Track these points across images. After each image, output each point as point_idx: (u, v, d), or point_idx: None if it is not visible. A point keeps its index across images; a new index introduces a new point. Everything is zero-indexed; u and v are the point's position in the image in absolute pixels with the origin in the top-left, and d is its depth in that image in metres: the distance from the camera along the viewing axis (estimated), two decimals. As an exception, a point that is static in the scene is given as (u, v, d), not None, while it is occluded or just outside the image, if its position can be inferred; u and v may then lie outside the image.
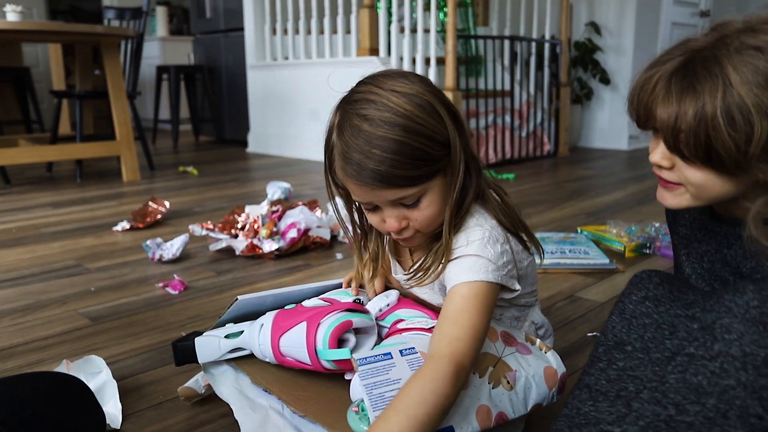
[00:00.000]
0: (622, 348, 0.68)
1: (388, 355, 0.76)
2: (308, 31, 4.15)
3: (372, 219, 0.85)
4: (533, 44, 3.99)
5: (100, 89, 3.38)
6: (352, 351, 0.85)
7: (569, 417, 0.69)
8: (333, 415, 0.81)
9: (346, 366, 0.85)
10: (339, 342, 0.86)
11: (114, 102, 3.19)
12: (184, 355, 0.92)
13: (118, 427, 0.94)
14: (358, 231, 0.95)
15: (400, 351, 0.77)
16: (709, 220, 0.87)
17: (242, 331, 0.92)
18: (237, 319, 0.98)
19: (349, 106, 0.80)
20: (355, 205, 0.92)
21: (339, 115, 0.82)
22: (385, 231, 0.85)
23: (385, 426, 0.68)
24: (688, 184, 0.76)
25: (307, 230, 1.91)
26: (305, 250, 1.93)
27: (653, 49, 4.44)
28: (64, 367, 1.06)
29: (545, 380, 0.84)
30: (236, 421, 0.95)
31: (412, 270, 0.87)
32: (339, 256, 1.86)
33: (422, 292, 0.94)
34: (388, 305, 0.92)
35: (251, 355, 0.94)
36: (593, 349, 0.73)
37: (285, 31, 4.31)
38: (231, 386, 0.89)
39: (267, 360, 0.91)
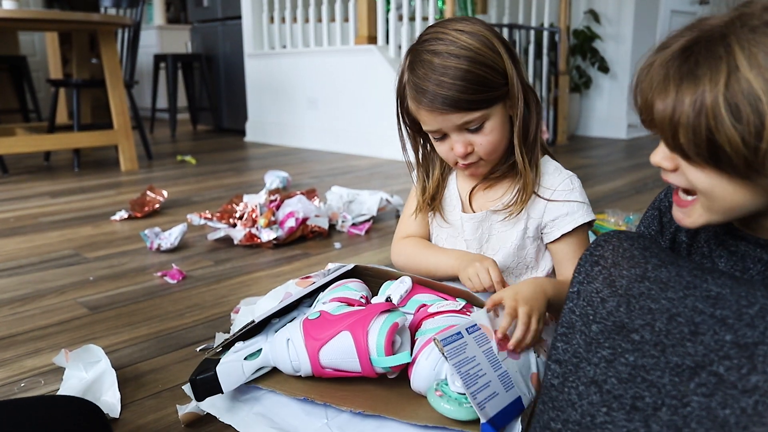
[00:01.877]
0: (628, 336, 0.57)
1: (460, 335, 0.79)
2: (306, 20, 4.13)
3: (441, 149, 0.95)
4: (532, 32, 3.97)
5: (98, 78, 3.36)
6: (397, 350, 0.85)
7: (582, 426, 0.58)
8: (390, 407, 0.81)
9: (401, 369, 0.84)
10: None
11: (111, 91, 3.18)
12: (206, 388, 0.85)
13: (117, 416, 0.94)
14: (422, 171, 1.06)
15: (466, 329, 0.80)
16: (723, 234, 0.73)
17: (260, 350, 0.89)
18: (242, 336, 0.93)
19: (419, 46, 0.91)
20: (421, 145, 1.04)
21: (410, 58, 0.92)
22: (453, 160, 0.95)
23: (549, 280, 0.86)
24: (697, 191, 0.64)
25: (305, 219, 1.91)
26: (303, 239, 1.93)
27: (652, 38, 4.43)
28: (62, 356, 1.06)
29: None
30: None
31: (508, 205, 0.97)
32: (337, 245, 1.86)
33: (502, 230, 1.00)
34: (406, 291, 0.95)
35: (271, 372, 0.90)
36: (578, 319, 0.61)
37: (283, 20, 4.29)
38: (266, 427, 0.83)
39: (300, 374, 0.87)
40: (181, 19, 6.87)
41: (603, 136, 4.50)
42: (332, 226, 2.05)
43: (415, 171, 1.08)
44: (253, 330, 0.93)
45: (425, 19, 3.51)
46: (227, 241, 1.90)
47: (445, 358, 0.75)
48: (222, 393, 0.86)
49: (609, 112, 4.49)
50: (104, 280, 1.58)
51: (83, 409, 0.81)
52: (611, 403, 0.57)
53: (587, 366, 0.59)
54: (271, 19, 4.37)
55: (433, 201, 1.05)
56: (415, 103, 0.91)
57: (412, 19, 3.53)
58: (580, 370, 0.60)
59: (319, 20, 4.08)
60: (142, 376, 1.08)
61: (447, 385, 0.79)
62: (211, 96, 5.00)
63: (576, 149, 3.89)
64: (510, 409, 0.75)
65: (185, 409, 0.92)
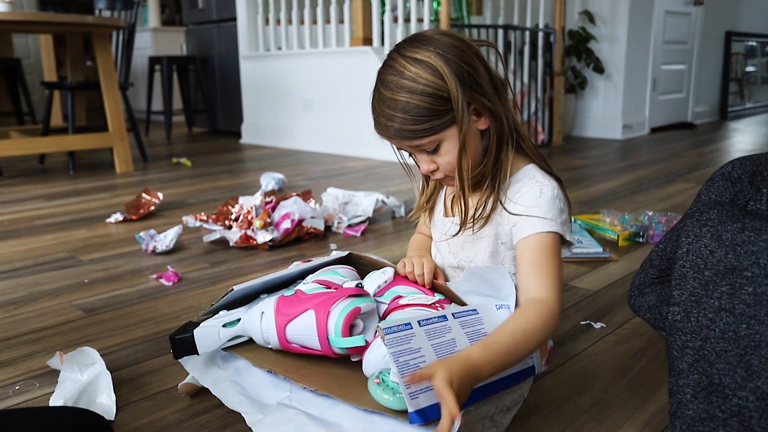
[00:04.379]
0: (741, 274, 0.69)
1: (409, 326, 0.80)
2: (301, 21, 4.13)
3: (415, 161, 0.98)
4: (527, 33, 3.98)
5: (92, 80, 3.36)
6: (358, 334, 0.88)
7: (727, 339, 0.69)
8: (342, 389, 0.83)
9: (357, 351, 0.87)
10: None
11: (106, 93, 3.17)
12: (183, 347, 0.91)
13: (112, 419, 0.94)
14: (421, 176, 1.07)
15: (418, 321, 0.82)
16: None
17: (239, 319, 0.93)
18: (229, 306, 0.98)
19: (380, 70, 0.92)
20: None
21: (376, 78, 0.93)
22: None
23: (482, 353, 0.76)
24: None
25: (300, 221, 1.91)
26: (299, 240, 1.92)
27: (647, 38, 4.44)
28: (57, 359, 1.06)
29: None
30: (230, 411, 0.95)
31: (472, 218, 0.96)
32: (333, 246, 1.85)
33: (471, 238, 0.99)
34: (385, 282, 0.97)
35: (248, 342, 0.94)
36: (689, 270, 0.72)
37: (278, 21, 4.29)
38: (235, 393, 0.88)
39: (270, 346, 0.92)
40: (176, 21, 6.87)
41: (598, 136, 4.51)
42: (328, 228, 2.05)
43: (417, 175, 1.11)
44: (240, 302, 0.98)
45: (420, 20, 3.52)
46: (223, 243, 1.90)
47: (386, 345, 0.76)
48: (198, 354, 0.91)
49: (604, 112, 4.49)
50: (99, 282, 1.57)
51: (91, 422, 0.81)
52: (749, 320, 0.68)
53: (709, 299, 0.71)
54: (267, 21, 4.36)
55: (428, 203, 1.09)
56: (375, 129, 0.93)
57: (407, 20, 3.53)
58: (702, 303, 0.72)
59: (314, 22, 4.08)
60: (138, 378, 1.07)
61: (388, 374, 0.80)
62: (206, 98, 4.99)
63: (571, 150, 3.90)
64: None
65: (184, 381, 0.98)
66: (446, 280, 1.04)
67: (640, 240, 1.86)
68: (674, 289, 0.75)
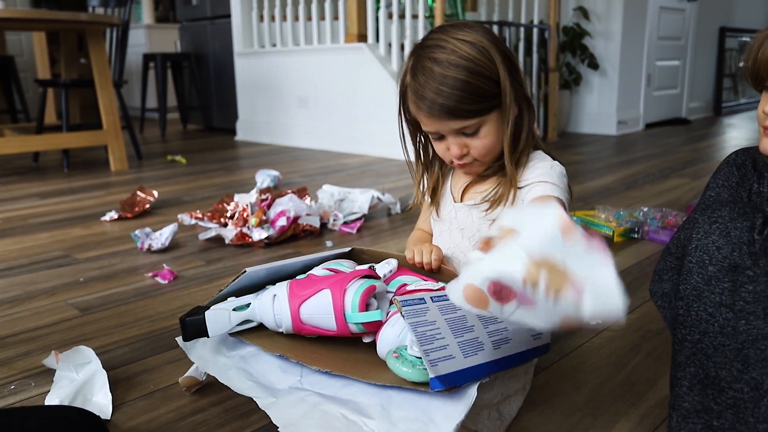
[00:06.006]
0: (743, 273, 0.72)
1: (423, 300, 0.83)
2: (296, 18, 4.12)
3: (438, 147, 1.01)
4: (522, 29, 3.98)
5: (86, 78, 3.34)
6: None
7: (725, 334, 0.71)
8: (356, 369, 0.84)
9: (372, 328, 0.89)
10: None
11: (100, 91, 3.16)
12: (193, 329, 0.91)
13: (108, 418, 0.94)
14: (421, 166, 1.11)
15: (431, 298, 0.85)
16: None
17: (249, 304, 0.94)
18: (236, 294, 0.98)
19: (422, 51, 0.94)
20: (421, 142, 1.09)
21: (413, 60, 0.95)
22: (449, 159, 1.01)
23: None
24: None
25: (296, 218, 1.91)
26: (295, 238, 1.92)
27: (641, 34, 4.45)
28: (53, 358, 1.05)
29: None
30: (227, 409, 0.95)
31: (486, 200, 1.01)
32: (329, 243, 1.85)
33: (485, 222, 1.03)
34: (390, 271, 1.00)
35: (257, 328, 0.95)
36: (695, 266, 0.74)
37: (272, 18, 4.28)
38: (244, 379, 0.88)
39: (281, 329, 0.92)
40: (169, 18, 6.84)
41: (593, 132, 4.52)
42: (324, 225, 2.04)
43: (415, 166, 1.12)
44: (247, 290, 0.99)
45: (415, 17, 3.51)
46: (218, 240, 1.89)
47: (403, 316, 0.79)
48: (208, 337, 0.91)
49: (599, 108, 4.50)
50: (95, 281, 1.57)
51: (86, 421, 0.81)
52: (747, 316, 0.70)
53: (711, 295, 0.73)
54: (261, 18, 4.35)
55: (434, 194, 1.10)
56: (415, 107, 0.96)
57: (402, 16, 3.52)
58: (703, 298, 0.74)
59: (309, 18, 4.07)
60: (134, 377, 1.07)
61: (406, 350, 0.82)
62: (201, 95, 4.98)
63: (566, 146, 3.90)
64: (467, 373, 0.78)
65: (185, 375, 0.98)
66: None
67: (636, 236, 1.86)
68: (680, 283, 0.77)
